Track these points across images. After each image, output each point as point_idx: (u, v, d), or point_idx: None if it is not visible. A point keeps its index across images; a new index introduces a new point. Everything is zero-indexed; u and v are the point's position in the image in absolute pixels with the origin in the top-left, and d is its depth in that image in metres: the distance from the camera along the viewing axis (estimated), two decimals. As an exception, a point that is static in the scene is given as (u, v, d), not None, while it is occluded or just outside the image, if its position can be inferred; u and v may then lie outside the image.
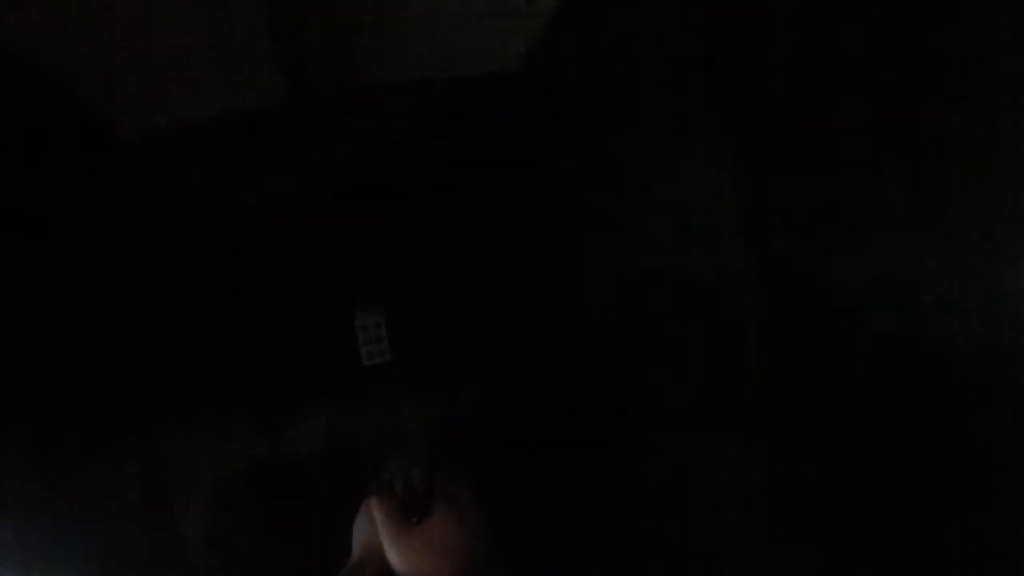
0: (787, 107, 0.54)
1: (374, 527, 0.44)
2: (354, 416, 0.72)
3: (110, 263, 0.72)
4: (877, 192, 0.47)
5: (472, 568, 0.41)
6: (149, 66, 0.65)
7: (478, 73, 0.77)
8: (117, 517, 0.68)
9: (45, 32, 0.59)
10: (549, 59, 0.76)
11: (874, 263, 0.48)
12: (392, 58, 0.74)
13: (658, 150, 0.67)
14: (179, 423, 0.72)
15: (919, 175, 0.43)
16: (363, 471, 0.53)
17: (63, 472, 0.63)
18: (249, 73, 0.70)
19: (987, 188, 0.38)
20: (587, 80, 0.73)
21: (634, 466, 0.73)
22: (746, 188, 0.58)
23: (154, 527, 0.69)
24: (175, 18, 0.62)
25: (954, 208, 0.41)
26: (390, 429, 0.69)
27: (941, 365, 0.44)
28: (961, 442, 0.43)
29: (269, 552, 0.68)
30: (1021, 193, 0.36)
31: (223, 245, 0.74)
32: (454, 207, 0.79)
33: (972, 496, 0.43)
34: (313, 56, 0.71)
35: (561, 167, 0.80)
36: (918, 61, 0.41)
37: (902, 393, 0.47)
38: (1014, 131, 0.36)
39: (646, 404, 0.72)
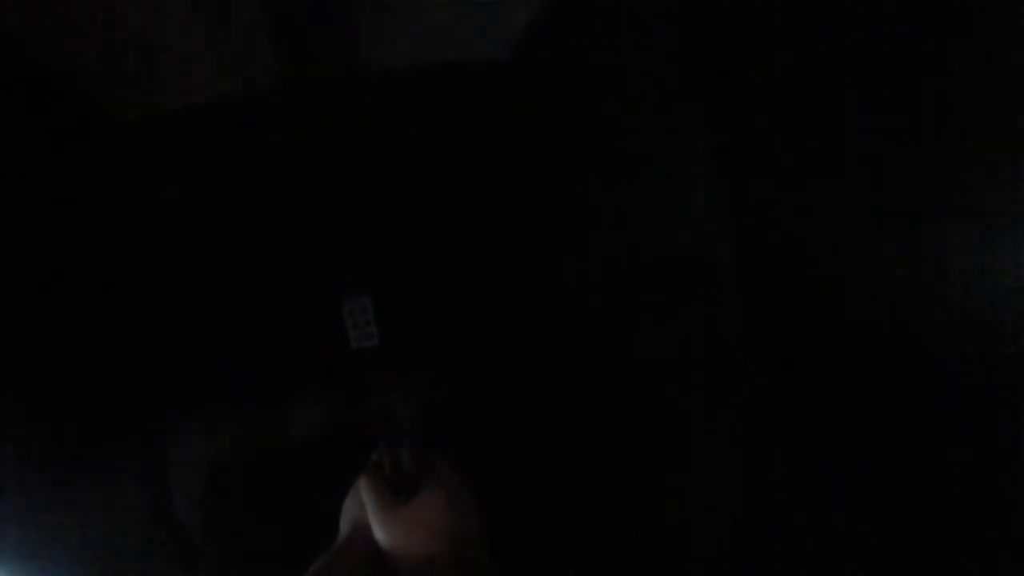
0: (770, 97, 0.54)
1: (362, 506, 0.44)
2: (344, 401, 0.72)
3: (105, 253, 0.71)
4: (855, 180, 0.47)
5: (458, 547, 0.40)
6: (146, 49, 0.65)
7: (471, 58, 0.77)
8: (117, 517, 0.68)
9: (41, 17, 0.59)
10: (542, 45, 0.76)
11: (855, 248, 0.49)
12: (386, 43, 0.73)
13: (647, 137, 0.67)
14: (175, 412, 0.72)
15: (888, 169, 0.43)
16: (354, 455, 0.53)
17: (63, 471, 0.63)
18: (244, 57, 0.69)
19: (960, 178, 0.39)
20: (579, 66, 0.73)
21: (621, 448, 0.73)
22: (731, 175, 0.59)
23: (154, 526, 0.69)
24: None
25: (927, 192, 0.41)
26: (380, 412, 0.68)
27: (915, 349, 0.44)
28: (936, 423, 0.44)
29: (263, 535, 0.69)
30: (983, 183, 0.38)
31: (214, 233, 0.74)
32: (444, 192, 0.78)
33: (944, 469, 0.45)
34: (308, 41, 0.70)
35: (551, 152, 0.80)
36: (899, 60, 0.41)
37: (879, 379, 0.48)
38: (974, 122, 0.36)
39: (633, 388, 0.72)
